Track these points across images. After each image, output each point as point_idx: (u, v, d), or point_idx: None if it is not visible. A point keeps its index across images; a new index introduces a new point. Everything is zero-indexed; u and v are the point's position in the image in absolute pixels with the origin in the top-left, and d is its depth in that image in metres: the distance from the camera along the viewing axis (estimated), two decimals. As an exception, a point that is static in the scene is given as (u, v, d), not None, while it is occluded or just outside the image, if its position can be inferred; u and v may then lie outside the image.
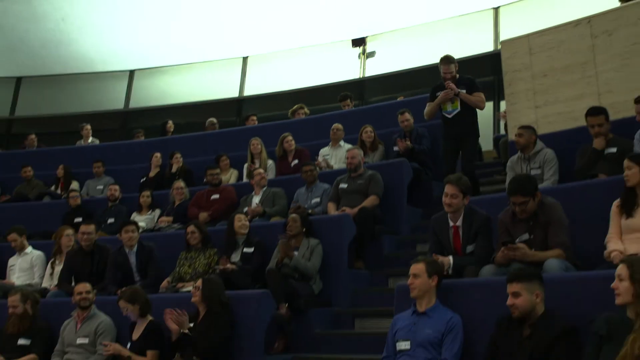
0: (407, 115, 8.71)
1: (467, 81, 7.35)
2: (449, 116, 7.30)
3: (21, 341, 6.12)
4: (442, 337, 4.39)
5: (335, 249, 6.69)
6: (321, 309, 6.37)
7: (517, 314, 4.01)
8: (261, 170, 8.35)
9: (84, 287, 6.15)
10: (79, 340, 5.98)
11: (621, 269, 3.58)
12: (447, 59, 7.34)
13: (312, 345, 6.10)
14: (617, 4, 7.96)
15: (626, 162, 4.69)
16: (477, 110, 7.33)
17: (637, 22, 7.11)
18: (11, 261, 7.91)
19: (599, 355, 3.55)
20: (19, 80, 17.22)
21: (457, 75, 7.35)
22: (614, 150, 5.95)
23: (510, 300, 4.02)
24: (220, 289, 5.67)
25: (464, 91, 7.23)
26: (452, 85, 7.20)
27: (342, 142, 9.11)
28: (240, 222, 6.89)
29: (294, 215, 6.80)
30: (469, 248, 5.17)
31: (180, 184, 8.94)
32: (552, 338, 3.84)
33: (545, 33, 7.90)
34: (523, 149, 6.52)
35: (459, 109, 7.26)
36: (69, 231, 7.75)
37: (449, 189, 5.23)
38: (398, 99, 11.20)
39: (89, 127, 13.20)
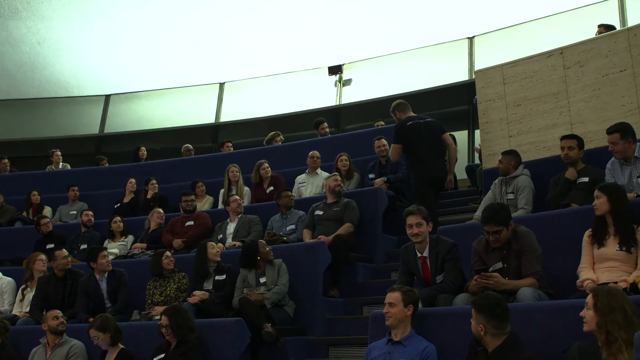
0: (384, 141, 8.74)
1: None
2: None
3: (-11, 370, 6.02)
4: (416, 366, 4.38)
5: (310, 277, 6.66)
6: (295, 337, 6.31)
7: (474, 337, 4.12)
8: (238, 197, 8.33)
9: (57, 312, 6.07)
10: (50, 368, 5.89)
11: (588, 298, 3.63)
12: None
13: (286, 374, 6.05)
14: (589, 36, 8.10)
15: (595, 192, 4.76)
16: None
17: (608, 54, 7.24)
18: (-20, 288, 7.76)
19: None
20: (-8, 104, 17.08)
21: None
22: (585, 179, 6.03)
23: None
24: (186, 316, 5.60)
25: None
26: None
27: (319, 170, 9.12)
28: (214, 249, 6.85)
29: (262, 241, 6.81)
30: (439, 278, 5.21)
31: (159, 210, 8.92)
32: None
33: (519, 63, 8.01)
34: (503, 174, 6.67)
35: None
36: (43, 256, 7.67)
37: (412, 219, 5.29)
38: (376, 124, 11.25)
39: (59, 153, 13.07)
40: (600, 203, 4.68)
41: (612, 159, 5.87)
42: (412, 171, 7.38)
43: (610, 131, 5.80)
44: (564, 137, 6.32)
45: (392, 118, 7.87)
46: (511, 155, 6.72)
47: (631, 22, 11.10)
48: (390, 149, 7.51)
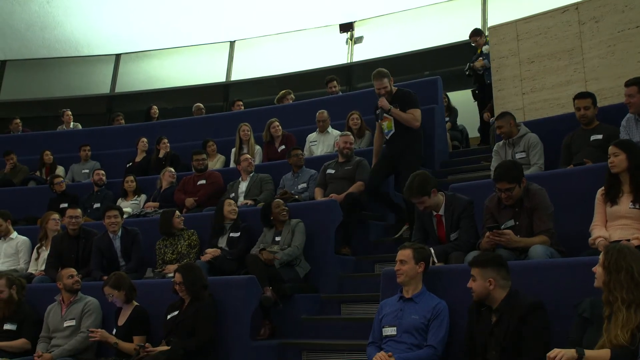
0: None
1: (402, 96, 7.07)
2: (387, 137, 7.12)
3: (7, 326, 6.09)
4: (428, 323, 4.41)
5: (321, 235, 6.69)
6: (307, 294, 6.38)
7: (474, 298, 4.15)
8: (248, 156, 8.32)
9: (72, 271, 6.13)
10: (66, 324, 5.95)
11: (601, 255, 3.63)
12: (379, 74, 7.08)
13: (299, 331, 6.12)
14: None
15: (612, 149, 4.65)
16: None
17: (624, 9, 7.13)
18: (-4, 246, 7.85)
19: (583, 337, 3.59)
20: (3, 63, 17.04)
21: (394, 90, 7.12)
22: (599, 137, 5.97)
23: (469, 283, 4.14)
24: (199, 273, 5.62)
25: (397, 108, 6.98)
26: (384, 102, 6.99)
27: (330, 129, 9.07)
28: (230, 207, 6.89)
29: (279, 200, 6.81)
30: (453, 235, 5.21)
31: (171, 169, 8.96)
32: (518, 318, 3.91)
33: (533, 19, 7.91)
34: (507, 136, 6.54)
35: (393, 129, 7.00)
36: (56, 215, 7.73)
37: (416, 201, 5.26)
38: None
39: (69, 112, 13.07)
40: (619, 160, 4.59)
41: (627, 115, 5.81)
42: (420, 140, 7.15)
43: (628, 84, 5.73)
44: (577, 97, 6.18)
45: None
46: (508, 115, 6.57)
47: (648, -23, 10.89)
48: (417, 114, 6.98)
